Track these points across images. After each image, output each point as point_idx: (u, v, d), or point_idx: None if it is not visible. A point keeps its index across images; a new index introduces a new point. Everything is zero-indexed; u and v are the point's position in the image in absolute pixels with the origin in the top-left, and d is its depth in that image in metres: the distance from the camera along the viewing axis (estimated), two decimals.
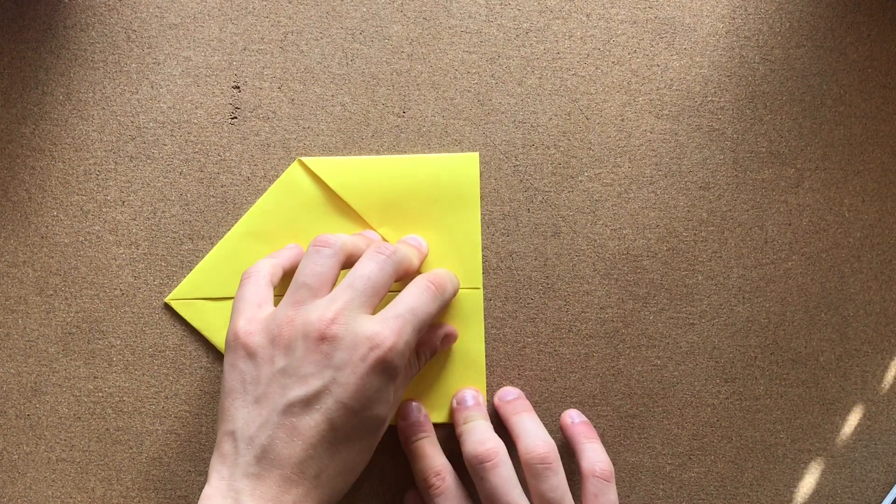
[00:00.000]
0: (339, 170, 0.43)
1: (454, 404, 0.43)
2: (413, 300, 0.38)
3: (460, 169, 0.43)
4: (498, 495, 0.38)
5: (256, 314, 0.37)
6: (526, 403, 0.43)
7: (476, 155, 0.44)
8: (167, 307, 0.43)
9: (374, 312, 0.37)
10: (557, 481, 0.39)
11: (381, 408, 0.36)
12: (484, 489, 0.39)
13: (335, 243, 0.38)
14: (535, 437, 0.40)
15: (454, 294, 0.41)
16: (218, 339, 0.43)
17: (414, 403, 0.43)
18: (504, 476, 0.39)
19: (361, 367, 0.35)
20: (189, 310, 0.43)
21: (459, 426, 0.42)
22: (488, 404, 0.43)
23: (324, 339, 0.35)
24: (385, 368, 0.35)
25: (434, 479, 0.40)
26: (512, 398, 0.43)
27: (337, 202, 0.43)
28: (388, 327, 0.36)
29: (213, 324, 0.43)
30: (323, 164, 0.43)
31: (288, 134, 0.44)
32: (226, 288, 0.43)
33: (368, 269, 0.37)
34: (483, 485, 0.39)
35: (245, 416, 0.35)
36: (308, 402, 0.35)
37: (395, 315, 0.37)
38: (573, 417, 0.43)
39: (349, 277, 0.37)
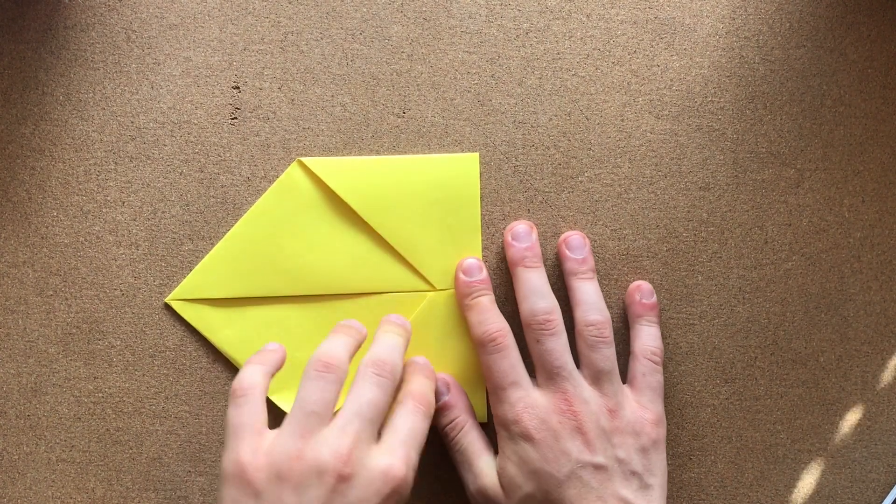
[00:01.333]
0: (339, 170, 0.43)
1: (460, 275, 0.42)
2: (409, 423, 0.37)
3: (460, 169, 0.43)
4: (553, 358, 0.39)
5: (259, 444, 0.35)
6: (590, 267, 0.42)
7: (476, 155, 0.44)
8: (167, 307, 0.43)
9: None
10: (610, 352, 0.40)
11: None
12: (539, 353, 0.40)
13: (338, 366, 0.37)
14: (594, 306, 0.41)
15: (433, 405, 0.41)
16: (217, 339, 0.43)
17: (476, 262, 0.42)
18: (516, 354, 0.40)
19: (375, 502, 0.35)
20: (189, 310, 0.43)
21: (465, 300, 0.42)
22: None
23: (341, 479, 0.34)
24: (398, 499, 0.35)
25: (496, 334, 0.40)
26: (580, 256, 0.42)
27: (336, 203, 0.43)
28: (397, 458, 0.36)
29: (212, 325, 0.43)
30: (322, 165, 0.43)
31: (288, 134, 0.44)
32: (226, 288, 0.43)
33: (373, 395, 0.36)
34: (538, 347, 0.40)
35: None
36: None
37: (400, 443, 0.36)
38: (643, 294, 0.43)
39: (355, 404, 0.36)
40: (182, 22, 0.43)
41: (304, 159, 0.43)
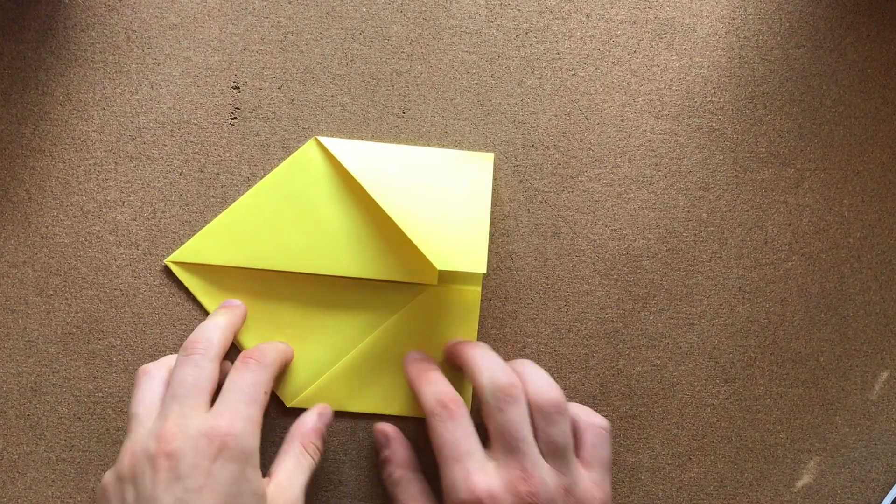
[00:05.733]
0: (355, 152, 0.43)
1: (408, 358, 0.42)
2: (237, 382, 0.38)
3: (475, 167, 0.43)
4: (514, 430, 0.37)
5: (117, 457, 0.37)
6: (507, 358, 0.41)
7: (491, 155, 0.44)
8: (167, 271, 0.43)
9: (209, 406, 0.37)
10: (567, 427, 0.38)
11: (246, 499, 0.35)
12: (500, 423, 0.37)
13: (150, 371, 0.39)
14: (546, 381, 0.38)
15: (284, 357, 0.41)
16: (212, 304, 0.43)
17: (415, 354, 0.42)
18: (522, 412, 0.38)
19: (206, 464, 0.35)
20: (187, 274, 0.43)
21: (414, 374, 0.41)
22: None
23: (167, 457, 0.35)
24: (231, 454, 0.35)
25: (449, 400, 0.38)
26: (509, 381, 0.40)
27: (347, 185, 0.43)
28: (220, 416, 0.36)
29: (209, 291, 0.43)
30: (339, 145, 0.43)
31: (288, 134, 0.44)
32: (227, 256, 0.43)
33: (183, 374, 0.37)
34: (500, 416, 0.37)
35: None
36: None
37: (224, 402, 0.37)
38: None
39: (170, 389, 0.37)
40: (182, 22, 0.43)
41: (321, 138, 0.43)
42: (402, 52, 0.44)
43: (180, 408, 0.36)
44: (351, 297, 0.43)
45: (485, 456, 0.37)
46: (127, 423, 0.38)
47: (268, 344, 0.41)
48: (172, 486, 0.34)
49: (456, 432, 0.37)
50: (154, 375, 0.39)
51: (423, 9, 0.44)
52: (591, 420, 0.39)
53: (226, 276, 0.43)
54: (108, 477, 0.37)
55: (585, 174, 0.44)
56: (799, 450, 0.44)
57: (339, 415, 0.44)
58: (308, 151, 0.43)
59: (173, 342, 0.43)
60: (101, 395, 0.43)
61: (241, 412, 0.36)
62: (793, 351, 0.44)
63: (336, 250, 0.43)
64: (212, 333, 0.39)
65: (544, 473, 0.36)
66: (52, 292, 0.43)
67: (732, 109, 0.44)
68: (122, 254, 0.43)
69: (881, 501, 0.44)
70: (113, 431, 0.43)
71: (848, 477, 0.44)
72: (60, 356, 0.43)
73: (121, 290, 0.43)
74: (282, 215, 0.43)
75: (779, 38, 0.44)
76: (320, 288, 0.43)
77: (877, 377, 0.45)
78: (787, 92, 0.44)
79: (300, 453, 0.40)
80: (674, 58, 0.44)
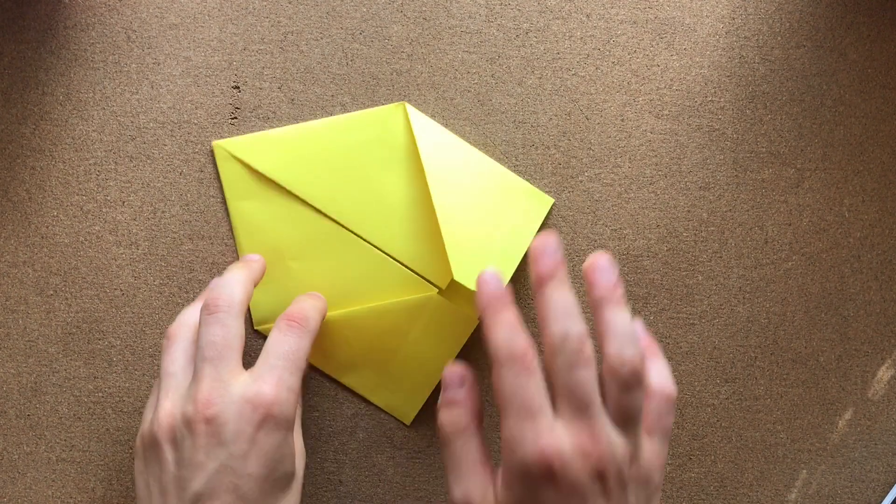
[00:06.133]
0: (432, 134, 0.43)
1: (482, 285, 0.37)
2: (281, 345, 0.37)
3: (532, 204, 0.43)
4: (584, 392, 0.34)
5: (150, 418, 0.37)
6: (622, 293, 0.37)
7: (551, 201, 0.43)
8: (211, 153, 0.43)
9: (242, 365, 0.37)
10: (642, 395, 0.35)
11: (287, 463, 0.36)
12: (568, 383, 0.34)
13: (178, 332, 0.38)
14: (629, 340, 0.35)
15: (322, 317, 0.41)
16: (233, 207, 0.43)
17: (497, 273, 0.37)
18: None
19: (250, 431, 0.35)
20: (226, 164, 0.43)
21: (488, 312, 0.37)
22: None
23: (208, 422, 0.35)
24: (276, 423, 0.35)
25: (524, 351, 0.35)
26: (610, 281, 0.36)
27: (409, 159, 0.43)
28: (265, 382, 0.36)
29: (237, 191, 0.43)
30: (421, 120, 0.43)
31: None
32: (272, 166, 0.43)
33: (212, 335, 0.37)
34: (568, 376, 0.34)
35: None
36: (212, 488, 0.34)
37: (268, 367, 0.36)
38: (639, 329, 0.38)
39: (199, 351, 0.37)
40: (182, 22, 0.43)
41: (409, 106, 0.43)
42: (402, 52, 0.44)
43: (215, 370, 0.36)
44: (359, 263, 0.43)
45: (552, 415, 0.34)
46: (160, 382, 0.37)
47: (309, 303, 0.40)
48: (216, 450, 0.34)
49: (529, 387, 0.34)
50: (181, 336, 0.38)
51: (423, 9, 0.44)
52: (661, 386, 0.37)
53: (259, 184, 0.43)
54: (144, 438, 0.37)
55: (585, 174, 0.44)
56: (799, 450, 0.44)
57: (338, 415, 0.44)
58: (391, 112, 0.43)
59: None
60: (101, 395, 0.43)
61: (285, 380, 0.36)
62: (793, 351, 0.44)
63: (369, 213, 0.43)
64: (233, 289, 0.38)
65: (613, 439, 0.34)
66: (52, 292, 0.43)
67: (732, 109, 0.44)
68: (122, 254, 0.43)
69: (881, 501, 0.44)
70: (113, 431, 0.43)
71: (848, 477, 0.44)
72: (60, 356, 0.43)
73: (121, 290, 0.43)
74: (338, 157, 0.43)
75: (779, 38, 0.44)
76: (337, 241, 0.43)
77: (877, 377, 0.45)
78: (787, 92, 0.44)
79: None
80: (674, 58, 0.44)
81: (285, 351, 0.37)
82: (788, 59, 0.44)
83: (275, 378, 0.36)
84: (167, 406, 0.36)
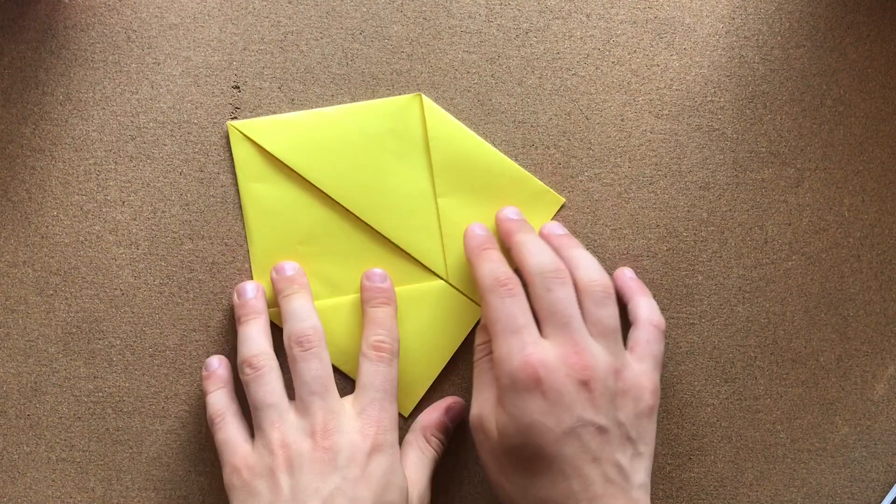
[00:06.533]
0: (447, 127, 0.43)
1: (470, 230, 0.42)
2: (375, 378, 0.39)
3: (542, 203, 0.43)
4: (563, 307, 0.38)
5: (248, 450, 0.39)
6: (576, 241, 0.42)
7: (562, 200, 0.44)
8: (226, 135, 0.43)
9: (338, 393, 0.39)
10: (615, 312, 0.39)
11: (393, 492, 0.38)
12: (548, 302, 0.38)
13: (261, 359, 0.40)
14: (595, 267, 0.40)
15: (398, 330, 0.42)
16: (245, 189, 0.43)
17: (482, 225, 0.42)
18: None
19: (361, 459, 0.37)
20: (240, 146, 0.43)
21: (475, 251, 0.41)
22: None
23: (324, 451, 0.37)
24: (383, 450, 0.38)
25: (507, 279, 0.39)
26: (561, 231, 0.42)
27: (420, 149, 0.43)
28: (369, 416, 0.38)
29: (248, 173, 0.43)
30: (437, 113, 0.43)
31: None
32: (285, 150, 0.43)
33: (314, 370, 0.39)
34: (549, 296, 0.38)
35: None
36: None
37: (369, 400, 0.39)
38: (628, 274, 0.43)
39: (304, 386, 0.39)
40: (182, 22, 0.43)
41: (426, 98, 0.43)
42: (402, 52, 0.44)
43: (324, 403, 0.38)
44: (367, 250, 0.43)
45: (538, 334, 0.38)
46: (258, 414, 0.39)
47: (387, 319, 0.41)
48: (331, 476, 0.37)
49: (513, 307, 0.38)
50: (270, 367, 0.39)
51: (423, 9, 0.44)
52: (649, 317, 0.41)
53: (271, 169, 0.43)
54: (251, 468, 0.38)
55: (585, 174, 0.44)
56: (799, 450, 0.44)
57: None
58: (408, 103, 0.43)
59: (173, 342, 0.43)
60: (101, 395, 0.43)
61: (387, 410, 0.39)
62: (793, 351, 0.44)
63: (378, 201, 0.43)
64: (315, 321, 0.40)
65: (595, 350, 0.38)
66: (52, 292, 0.43)
67: (732, 109, 0.44)
68: (122, 254, 0.43)
69: (881, 501, 0.44)
70: (113, 431, 0.43)
71: (848, 477, 0.44)
72: (60, 356, 0.43)
73: (121, 290, 0.43)
74: (351, 144, 0.43)
75: (779, 38, 0.44)
76: (346, 227, 0.43)
77: (877, 377, 0.45)
78: (787, 92, 0.44)
79: (423, 446, 0.41)
80: (674, 58, 0.44)
81: (381, 382, 0.39)
82: (788, 59, 0.44)
83: (377, 409, 0.39)
84: (277, 437, 0.38)
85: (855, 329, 0.44)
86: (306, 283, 0.42)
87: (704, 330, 0.44)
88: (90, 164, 0.43)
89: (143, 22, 0.43)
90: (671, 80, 0.44)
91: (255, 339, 0.40)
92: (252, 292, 0.42)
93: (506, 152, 0.44)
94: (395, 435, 0.39)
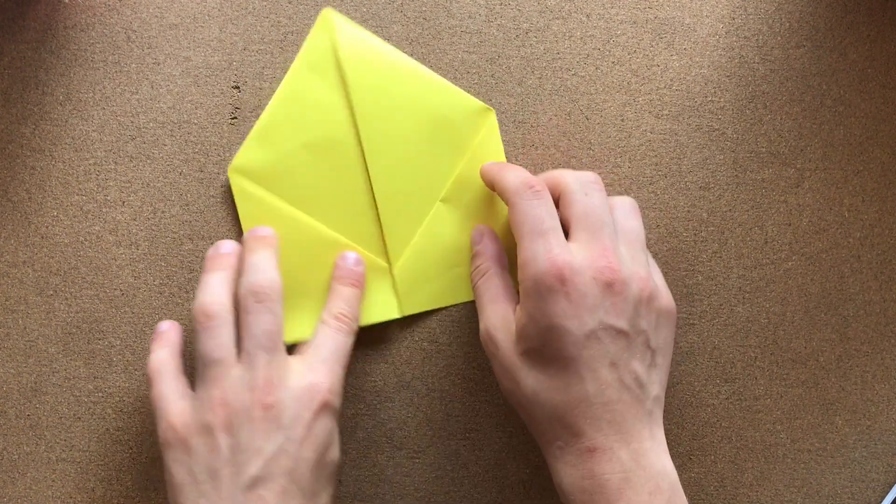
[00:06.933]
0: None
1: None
2: (332, 343, 0.39)
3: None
4: (600, 212, 0.38)
5: (184, 406, 0.37)
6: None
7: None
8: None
9: (288, 351, 0.38)
10: (642, 224, 0.40)
11: (333, 451, 0.38)
12: (585, 206, 0.38)
13: (218, 311, 0.38)
14: (602, 194, 0.39)
15: (360, 308, 0.41)
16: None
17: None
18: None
19: (307, 417, 0.36)
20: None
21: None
22: None
23: (267, 408, 0.36)
24: (330, 410, 0.37)
25: (535, 182, 0.39)
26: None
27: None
28: (321, 374, 0.37)
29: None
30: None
31: None
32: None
33: (265, 323, 0.37)
34: (586, 201, 0.38)
35: None
36: (269, 471, 0.35)
37: (322, 360, 0.38)
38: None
39: (252, 339, 0.37)
40: (182, 22, 0.43)
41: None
42: (402, 52, 0.44)
43: (271, 358, 0.37)
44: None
45: (565, 238, 0.37)
46: (202, 368, 0.37)
47: (353, 298, 0.41)
48: (274, 435, 0.36)
49: (540, 209, 0.37)
50: (224, 319, 0.37)
51: (423, 9, 0.44)
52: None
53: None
54: (186, 425, 0.36)
55: None
56: (799, 450, 0.44)
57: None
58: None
59: None
60: (101, 395, 0.43)
61: (337, 373, 0.38)
62: (793, 351, 0.44)
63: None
64: (272, 274, 0.38)
65: (623, 256, 0.37)
66: (52, 292, 0.43)
67: (732, 109, 0.44)
68: (122, 254, 0.43)
69: (881, 501, 0.44)
70: (113, 431, 0.43)
71: (848, 477, 0.44)
72: (60, 356, 0.43)
73: (121, 290, 0.43)
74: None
75: (779, 38, 0.44)
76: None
77: (877, 377, 0.45)
78: (787, 92, 0.44)
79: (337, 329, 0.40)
80: (674, 58, 0.44)
81: (336, 347, 0.39)
82: (788, 59, 0.44)
83: (328, 369, 0.38)
84: (217, 394, 0.36)
85: (855, 329, 0.44)
86: (275, 245, 0.41)
87: (704, 330, 0.44)
88: (90, 164, 0.43)
89: (143, 22, 0.43)
90: (671, 80, 0.44)
91: (215, 288, 0.38)
92: (228, 248, 0.40)
93: (506, 152, 0.44)
94: (340, 399, 0.38)
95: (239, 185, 0.43)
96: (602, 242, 0.37)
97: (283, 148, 0.43)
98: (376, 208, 0.43)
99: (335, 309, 0.40)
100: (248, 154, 0.43)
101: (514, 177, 0.39)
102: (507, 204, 0.39)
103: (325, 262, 0.43)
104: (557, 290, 0.36)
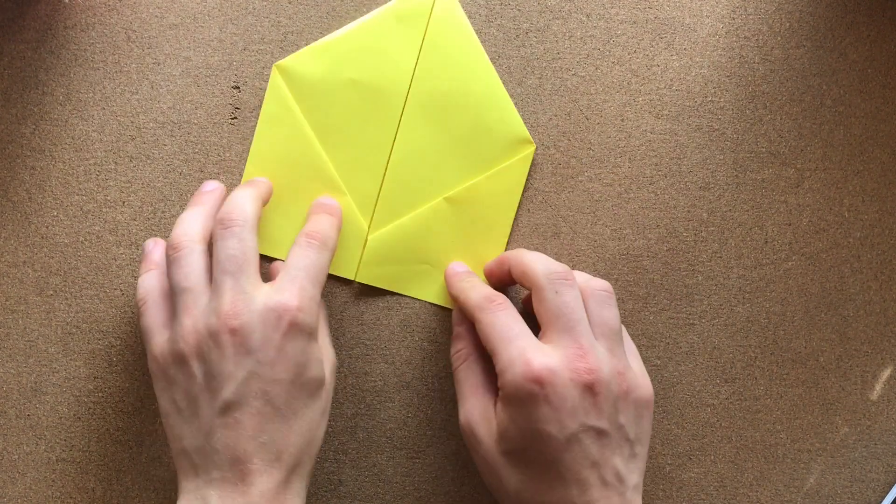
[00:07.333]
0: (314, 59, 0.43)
1: (450, 270, 0.43)
2: (302, 260, 0.38)
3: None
4: (570, 310, 0.38)
5: (164, 337, 0.37)
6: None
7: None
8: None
9: (261, 278, 0.37)
10: (617, 313, 0.39)
11: (314, 369, 0.37)
12: (557, 305, 0.38)
13: (186, 241, 0.38)
14: (593, 277, 0.40)
15: (337, 237, 0.41)
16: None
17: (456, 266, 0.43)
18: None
19: (277, 338, 0.36)
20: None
21: (456, 284, 0.42)
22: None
23: (234, 333, 0.35)
24: (300, 330, 0.36)
25: (495, 295, 0.39)
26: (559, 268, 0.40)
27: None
28: (288, 292, 0.36)
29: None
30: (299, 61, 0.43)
31: None
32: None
33: (230, 248, 0.37)
34: (557, 300, 0.38)
35: (188, 432, 0.36)
36: (241, 394, 0.35)
37: (290, 279, 0.37)
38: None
39: (218, 265, 0.37)
40: (182, 22, 0.43)
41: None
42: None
43: (236, 282, 0.36)
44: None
45: (536, 340, 0.38)
46: (175, 298, 0.37)
47: (327, 221, 0.41)
48: (243, 359, 0.35)
49: (507, 318, 0.38)
50: (191, 248, 0.38)
51: None
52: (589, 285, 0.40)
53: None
54: (164, 356, 0.37)
55: (585, 174, 0.44)
56: (799, 450, 0.44)
57: (338, 415, 0.44)
58: (276, 86, 0.43)
59: None
60: (101, 395, 0.43)
61: (306, 290, 0.37)
62: (793, 351, 0.44)
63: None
64: (245, 204, 0.38)
65: (600, 353, 0.37)
66: (52, 292, 0.43)
67: (732, 109, 0.44)
68: (122, 254, 0.43)
69: (881, 501, 0.44)
70: (113, 431, 0.43)
71: (848, 477, 0.44)
72: (60, 356, 0.43)
73: (121, 290, 0.43)
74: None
75: (779, 38, 0.44)
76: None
77: (877, 377, 0.45)
78: (787, 92, 0.44)
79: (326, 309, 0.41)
80: (674, 58, 0.44)
81: (305, 264, 0.38)
82: (788, 59, 0.44)
83: (297, 287, 0.37)
84: (188, 322, 0.36)
85: (855, 329, 0.44)
86: (263, 190, 0.41)
87: (704, 330, 0.44)
88: (90, 164, 0.43)
89: (143, 22, 0.43)
90: (671, 80, 0.44)
91: (188, 222, 0.39)
92: (210, 186, 0.41)
93: None
94: (314, 317, 0.37)
95: (276, 83, 0.43)
96: (577, 342, 0.37)
97: (332, 71, 0.43)
98: (384, 174, 0.43)
99: (307, 228, 0.40)
100: (301, 60, 0.43)
101: (476, 294, 0.40)
102: (472, 320, 0.39)
103: (307, 190, 0.43)
104: (537, 394, 0.36)
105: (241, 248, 0.37)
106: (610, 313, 0.39)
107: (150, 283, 0.39)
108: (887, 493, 0.44)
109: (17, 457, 0.43)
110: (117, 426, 0.44)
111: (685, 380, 0.44)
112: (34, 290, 0.43)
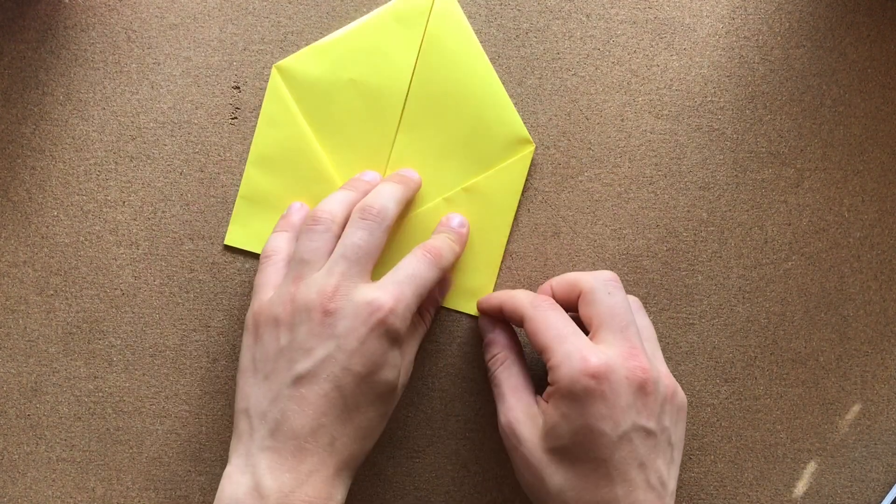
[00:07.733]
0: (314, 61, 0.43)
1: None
2: (411, 268, 0.39)
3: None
4: (623, 311, 0.38)
5: (268, 298, 0.39)
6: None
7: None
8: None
9: (371, 277, 0.38)
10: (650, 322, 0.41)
11: (389, 372, 0.37)
12: (610, 305, 0.38)
13: (328, 219, 0.39)
14: (617, 288, 0.40)
15: (453, 261, 0.41)
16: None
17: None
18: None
19: (363, 332, 0.36)
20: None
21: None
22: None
23: (326, 314, 0.36)
24: (386, 331, 0.37)
25: (544, 296, 0.40)
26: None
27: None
28: (387, 292, 0.37)
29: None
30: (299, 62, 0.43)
31: None
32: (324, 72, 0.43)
33: (358, 238, 0.38)
34: (609, 300, 0.38)
35: (256, 393, 0.37)
36: (315, 373, 0.36)
37: (393, 282, 0.38)
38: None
39: (341, 248, 0.38)
40: (182, 22, 0.43)
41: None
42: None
43: (348, 269, 0.37)
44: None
45: (589, 339, 0.38)
46: (293, 265, 0.38)
47: (447, 245, 0.41)
48: (326, 341, 0.36)
49: (558, 318, 0.38)
50: (328, 227, 0.39)
51: None
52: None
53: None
54: (262, 314, 0.38)
55: (585, 174, 0.44)
56: (799, 450, 0.44)
57: None
58: (275, 86, 0.43)
59: (173, 342, 0.44)
60: (101, 395, 0.43)
61: (405, 296, 0.38)
62: (793, 351, 0.44)
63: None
64: (388, 203, 0.39)
65: (650, 354, 0.38)
66: (52, 292, 0.43)
67: (732, 109, 0.44)
68: (122, 254, 0.43)
69: (881, 501, 0.44)
70: (113, 431, 0.43)
71: (847, 476, 0.44)
72: (60, 356, 0.43)
73: (121, 290, 0.43)
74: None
75: (779, 38, 0.44)
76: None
77: (877, 377, 0.45)
78: (787, 92, 0.44)
79: (417, 321, 0.41)
80: (674, 58, 0.44)
81: (415, 274, 0.39)
82: (788, 59, 0.44)
83: (397, 291, 0.37)
84: (293, 290, 0.38)
85: (855, 329, 0.44)
86: (412, 188, 0.42)
87: (704, 330, 0.44)
88: (90, 164, 0.43)
89: (143, 22, 0.43)
90: (671, 80, 0.44)
91: (333, 201, 0.40)
92: (370, 176, 0.43)
93: None
94: (404, 325, 0.37)
95: (275, 84, 0.43)
96: (630, 342, 0.37)
97: (332, 71, 0.43)
98: (384, 174, 0.43)
99: (429, 243, 0.41)
100: (301, 60, 0.43)
101: (524, 297, 0.40)
102: (522, 319, 0.39)
103: (307, 191, 0.43)
104: (593, 389, 0.36)
105: (368, 241, 0.38)
106: (645, 320, 0.40)
107: (278, 243, 0.41)
108: (887, 493, 0.44)
109: (17, 457, 0.43)
110: (117, 426, 0.44)
111: (685, 380, 0.44)
112: (34, 290, 0.43)
